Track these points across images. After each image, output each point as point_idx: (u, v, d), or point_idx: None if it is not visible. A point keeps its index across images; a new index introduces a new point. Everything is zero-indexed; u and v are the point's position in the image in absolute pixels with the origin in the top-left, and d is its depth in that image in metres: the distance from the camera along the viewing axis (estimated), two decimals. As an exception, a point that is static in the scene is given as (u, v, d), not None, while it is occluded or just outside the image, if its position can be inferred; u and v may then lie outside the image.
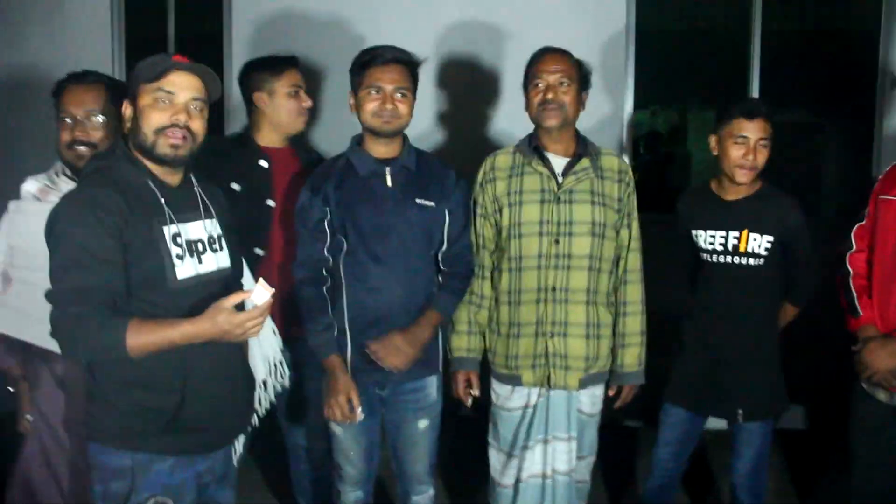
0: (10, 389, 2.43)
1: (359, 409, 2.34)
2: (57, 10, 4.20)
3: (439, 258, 2.46)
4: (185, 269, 1.88)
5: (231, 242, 2.07)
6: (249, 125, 2.82)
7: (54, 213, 1.79)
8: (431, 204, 2.39)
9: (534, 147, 2.49)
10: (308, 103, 2.79)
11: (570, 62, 2.45)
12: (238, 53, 4.04)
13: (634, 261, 2.54)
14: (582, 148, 2.48)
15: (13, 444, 2.40)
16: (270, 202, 2.70)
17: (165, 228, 1.86)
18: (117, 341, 1.72)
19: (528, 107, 2.48)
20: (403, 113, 2.34)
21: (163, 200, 1.88)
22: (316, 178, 2.40)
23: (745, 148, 2.54)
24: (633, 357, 2.54)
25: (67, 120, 2.19)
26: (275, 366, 2.41)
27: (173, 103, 1.86)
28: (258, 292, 1.76)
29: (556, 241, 2.43)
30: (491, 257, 2.57)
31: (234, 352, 2.04)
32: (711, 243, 2.66)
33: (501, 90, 3.85)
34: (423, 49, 3.64)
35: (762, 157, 2.56)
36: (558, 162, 2.48)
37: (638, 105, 4.09)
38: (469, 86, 3.95)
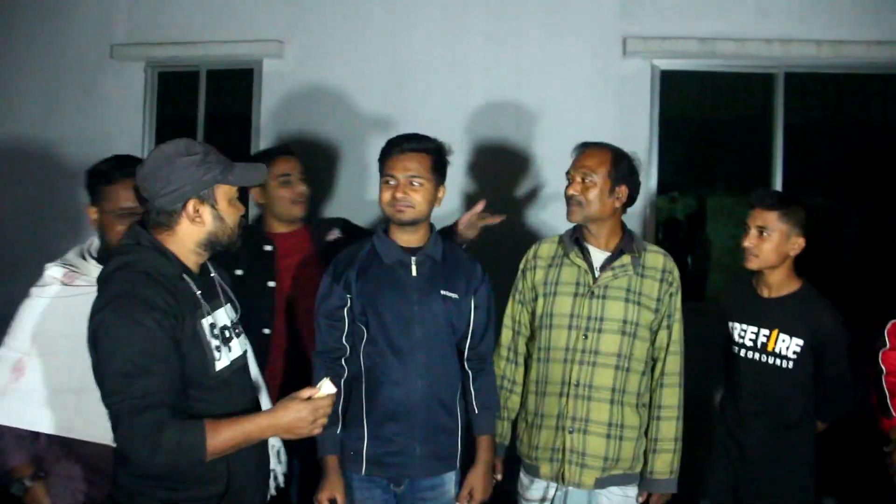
0: (13, 492, 2.24)
1: None
2: (91, 87, 4.30)
3: (465, 355, 2.42)
4: (222, 360, 1.87)
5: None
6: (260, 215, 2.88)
7: (105, 319, 1.69)
8: (456, 296, 2.36)
9: (575, 239, 2.45)
10: (300, 189, 2.80)
11: (601, 157, 2.39)
12: (267, 133, 4.11)
13: (673, 364, 2.42)
14: (626, 243, 2.42)
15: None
16: (271, 283, 2.73)
17: (204, 321, 1.84)
18: (198, 445, 1.69)
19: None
20: (416, 202, 2.30)
21: (198, 293, 1.85)
22: (339, 264, 2.37)
23: (746, 235, 2.56)
24: (664, 464, 2.41)
25: None
26: (277, 452, 2.34)
27: None
28: (326, 386, 1.84)
29: (585, 336, 2.37)
30: (526, 344, 2.53)
31: None
32: (742, 337, 2.62)
33: (529, 174, 3.86)
34: (450, 134, 3.70)
35: (762, 246, 2.52)
36: (598, 256, 2.43)
37: (659, 191, 4.08)
38: (497, 170, 3.96)
